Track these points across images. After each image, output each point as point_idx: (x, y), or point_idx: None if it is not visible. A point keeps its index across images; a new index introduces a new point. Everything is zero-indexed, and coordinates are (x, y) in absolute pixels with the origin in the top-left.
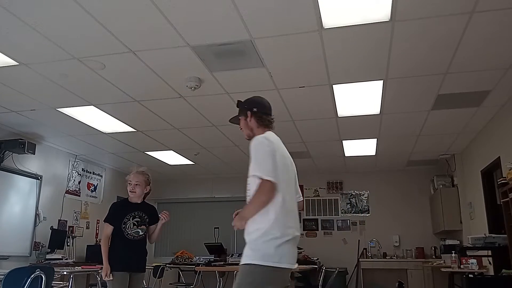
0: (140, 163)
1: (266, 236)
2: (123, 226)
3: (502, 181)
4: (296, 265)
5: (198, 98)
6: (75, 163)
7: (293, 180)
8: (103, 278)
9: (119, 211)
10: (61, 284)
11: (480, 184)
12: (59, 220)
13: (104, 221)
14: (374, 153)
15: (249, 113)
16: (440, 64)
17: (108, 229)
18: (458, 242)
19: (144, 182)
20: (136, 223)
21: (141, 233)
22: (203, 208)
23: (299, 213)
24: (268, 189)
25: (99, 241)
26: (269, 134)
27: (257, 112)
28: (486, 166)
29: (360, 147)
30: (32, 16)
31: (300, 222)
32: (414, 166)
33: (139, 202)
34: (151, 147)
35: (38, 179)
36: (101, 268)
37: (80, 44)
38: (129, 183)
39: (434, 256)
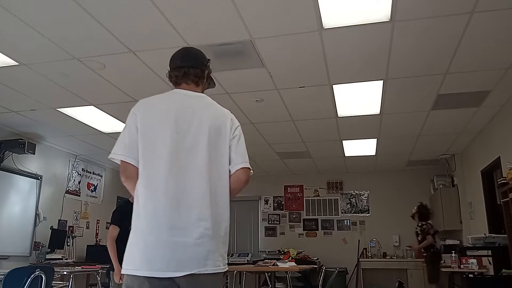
0: None
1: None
2: (131, 227)
3: (502, 181)
4: (178, 273)
5: None
6: (75, 163)
7: (192, 143)
8: (117, 282)
9: (126, 212)
10: (61, 284)
11: (480, 184)
12: (59, 220)
13: (110, 223)
14: (374, 153)
15: (167, 75)
16: (440, 64)
17: (115, 231)
18: (458, 242)
19: None
20: None
21: None
22: None
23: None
24: (121, 169)
25: (99, 241)
26: (157, 95)
27: (169, 71)
28: (486, 166)
29: (360, 147)
30: (32, 16)
31: (300, 221)
32: (414, 166)
33: None
34: None
35: (38, 179)
36: (101, 268)
37: (80, 44)
38: None
39: None
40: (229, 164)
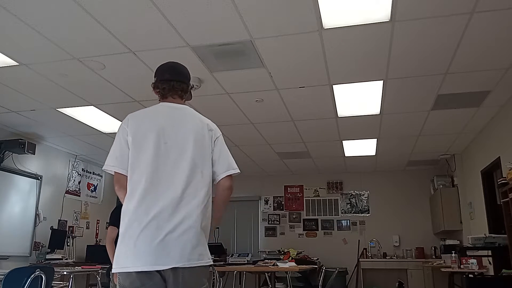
0: None
1: None
2: None
3: (502, 181)
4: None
5: (198, 98)
6: (75, 163)
7: (179, 154)
8: (116, 283)
9: None
10: (61, 284)
11: (480, 184)
12: (59, 220)
13: (109, 224)
14: (374, 153)
15: (152, 85)
16: (440, 64)
17: (114, 232)
18: (458, 242)
19: None
20: None
21: None
22: None
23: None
24: (115, 180)
25: (99, 242)
26: (145, 109)
27: (156, 82)
28: (486, 166)
29: (360, 147)
30: (32, 16)
31: (300, 221)
32: (414, 166)
33: None
34: None
35: (38, 179)
36: (101, 268)
37: (80, 44)
38: None
39: (434, 256)
40: (214, 175)
